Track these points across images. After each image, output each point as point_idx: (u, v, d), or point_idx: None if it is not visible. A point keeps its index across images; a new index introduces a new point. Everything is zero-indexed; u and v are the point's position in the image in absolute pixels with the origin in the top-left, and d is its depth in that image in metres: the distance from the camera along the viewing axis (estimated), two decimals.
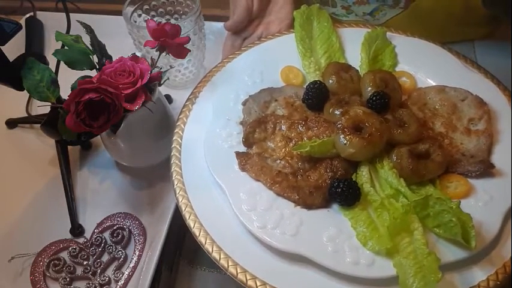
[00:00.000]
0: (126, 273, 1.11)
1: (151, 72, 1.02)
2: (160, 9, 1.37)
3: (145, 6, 1.34)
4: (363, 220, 0.87)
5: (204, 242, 0.89)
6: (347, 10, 1.45)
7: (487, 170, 0.94)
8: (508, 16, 1.14)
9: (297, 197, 0.91)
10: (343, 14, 1.48)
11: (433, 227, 0.86)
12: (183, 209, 0.94)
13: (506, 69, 1.21)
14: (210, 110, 1.06)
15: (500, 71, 1.18)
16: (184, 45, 1.08)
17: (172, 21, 1.38)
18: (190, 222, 0.92)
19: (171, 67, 1.28)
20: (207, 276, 1.10)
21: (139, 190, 1.25)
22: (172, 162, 1.01)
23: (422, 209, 0.86)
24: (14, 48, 1.25)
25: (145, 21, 1.18)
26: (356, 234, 0.86)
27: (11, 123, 1.41)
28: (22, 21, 1.61)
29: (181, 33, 1.08)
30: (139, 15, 1.34)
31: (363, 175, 0.94)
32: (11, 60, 1.09)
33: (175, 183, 0.98)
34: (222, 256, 0.87)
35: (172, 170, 1.00)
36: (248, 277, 0.84)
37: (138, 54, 1.07)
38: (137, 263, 1.12)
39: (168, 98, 1.40)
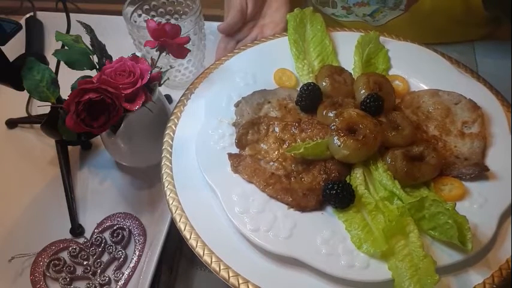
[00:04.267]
0: (126, 273, 1.11)
1: (151, 72, 1.02)
2: (160, 9, 1.38)
3: (145, 6, 1.34)
4: (357, 223, 0.87)
5: (195, 245, 0.89)
6: (347, 11, 1.45)
7: (481, 172, 0.94)
8: (508, 17, 1.14)
9: (290, 199, 0.90)
10: (343, 15, 1.47)
11: (429, 229, 0.85)
12: (174, 211, 0.94)
13: (506, 69, 1.21)
14: (202, 111, 1.06)
15: (500, 72, 1.18)
16: (184, 45, 1.08)
17: (172, 21, 1.39)
18: (181, 225, 0.92)
19: (171, 67, 1.29)
20: (207, 276, 1.10)
21: (139, 190, 1.25)
22: (163, 163, 1.01)
23: (418, 211, 0.86)
24: (14, 48, 1.25)
25: (145, 21, 1.19)
26: (350, 236, 0.86)
27: (11, 123, 1.42)
28: (22, 21, 1.61)
29: (181, 33, 1.08)
30: (140, 15, 1.34)
31: (357, 177, 0.93)
32: (11, 60, 1.09)
33: (166, 185, 0.97)
34: (213, 259, 0.87)
35: (163, 171, 0.99)
36: (240, 281, 0.84)
37: (138, 54, 1.07)
38: (137, 263, 1.12)
39: (168, 98, 1.40)
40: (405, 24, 1.39)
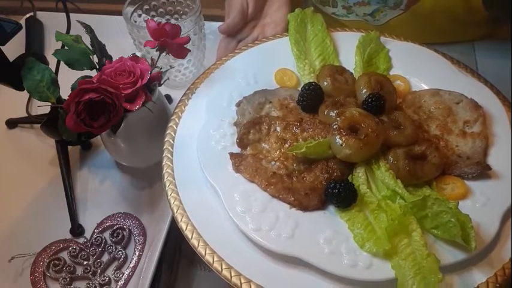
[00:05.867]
0: (126, 273, 1.10)
1: (151, 72, 1.01)
2: (160, 9, 1.37)
3: (145, 6, 1.34)
4: (359, 222, 0.86)
5: (196, 245, 0.88)
6: (348, 10, 1.44)
7: (483, 171, 0.93)
8: (509, 17, 1.13)
9: (292, 198, 0.89)
10: (343, 14, 1.47)
11: (431, 228, 0.84)
12: (175, 211, 0.93)
13: (506, 69, 1.21)
14: (204, 110, 1.05)
15: (500, 72, 1.17)
16: (184, 45, 1.08)
17: (172, 21, 1.38)
18: (183, 225, 0.90)
19: (171, 67, 1.28)
20: (207, 276, 1.10)
21: (139, 190, 1.25)
22: (164, 163, 0.99)
23: (420, 209, 0.85)
24: (14, 48, 1.24)
25: (145, 21, 1.19)
26: (353, 236, 0.85)
27: (11, 123, 1.41)
28: (22, 21, 1.61)
29: (181, 33, 1.08)
30: (140, 15, 1.33)
31: (359, 176, 0.92)
32: (11, 60, 1.08)
33: (167, 184, 0.96)
34: (215, 259, 0.86)
35: (164, 171, 0.98)
36: (243, 280, 0.83)
37: (138, 54, 1.06)
38: (137, 263, 1.12)
39: (168, 98, 1.39)
40: (405, 24, 1.38)
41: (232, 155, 0.97)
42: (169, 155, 1.00)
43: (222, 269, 0.85)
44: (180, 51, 1.09)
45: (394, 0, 1.33)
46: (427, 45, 1.18)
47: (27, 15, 1.65)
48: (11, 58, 1.09)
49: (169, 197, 0.95)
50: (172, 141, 1.03)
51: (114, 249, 1.14)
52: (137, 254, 1.13)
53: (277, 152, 0.97)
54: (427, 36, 1.25)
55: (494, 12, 1.28)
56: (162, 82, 1.08)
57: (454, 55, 1.16)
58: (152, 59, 1.07)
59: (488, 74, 1.13)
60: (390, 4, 1.35)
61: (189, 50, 1.10)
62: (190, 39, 1.11)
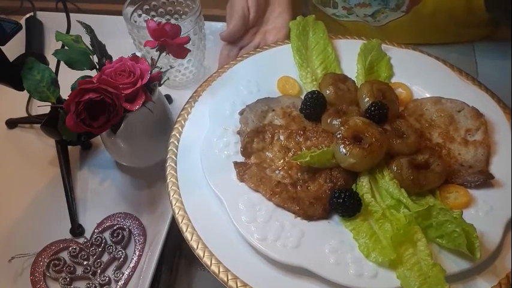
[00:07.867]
0: (126, 273, 1.09)
1: (151, 72, 1.00)
2: (160, 9, 1.35)
3: (146, 6, 1.32)
4: (364, 231, 0.85)
5: (202, 255, 0.86)
6: (348, 11, 1.43)
7: (486, 180, 0.92)
8: (509, 19, 1.12)
9: (297, 208, 0.88)
10: (343, 15, 1.45)
11: (436, 238, 0.83)
12: (180, 221, 0.91)
13: (505, 70, 1.21)
14: (207, 119, 1.04)
15: (500, 73, 1.16)
16: (184, 45, 1.06)
17: (172, 21, 1.36)
18: (188, 235, 0.89)
19: (171, 67, 1.27)
20: (207, 276, 1.08)
21: (139, 190, 1.23)
22: (168, 172, 0.98)
23: (425, 219, 0.83)
24: (14, 48, 1.22)
25: (145, 21, 1.17)
26: (358, 245, 0.84)
27: (11, 123, 1.39)
28: (22, 21, 1.59)
29: (181, 33, 1.06)
30: (140, 15, 1.31)
31: (363, 186, 0.91)
32: (11, 60, 1.06)
33: (172, 194, 0.95)
34: (221, 269, 0.84)
35: (168, 180, 0.97)
36: None
37: (138, 54, 1.05)
38: (137, 263, 1.10)
39: (168, 98, 1.37)
40: (406, 25, 1.37)
41: (236, 164, 0.96)
42: (172, 164, 0.99)
43: (228, 280, 0.83)
44: (180, 51, 1.07)
45: (396, 2, 1.32)
46: (427, 45, 1.18)
47: (27, 15, 1.63)
48: (11, 58, 1.07)
49: (174, 207, 0.93)
50: (175, 150, 1.01)
51: (114, 249, 1.12)
52: (137, 254, 1.11)
53: (281, 161, 0.96)
54: (427, 37, 1.25)
55: (495, 13, 1.27)
56: (162, 82, 1.06)
57: (453, 56, 1.18)
58: (152, 59, 1.05)
59: (488, 75, 1.15)
60: (391, 6, 1.34)
61: (189, 50, 1.08)
62: (190, 39, 1.10)
